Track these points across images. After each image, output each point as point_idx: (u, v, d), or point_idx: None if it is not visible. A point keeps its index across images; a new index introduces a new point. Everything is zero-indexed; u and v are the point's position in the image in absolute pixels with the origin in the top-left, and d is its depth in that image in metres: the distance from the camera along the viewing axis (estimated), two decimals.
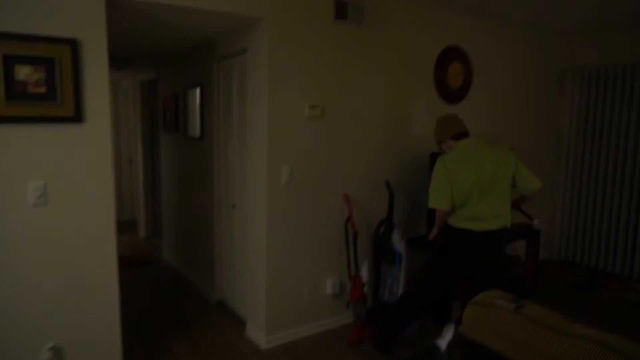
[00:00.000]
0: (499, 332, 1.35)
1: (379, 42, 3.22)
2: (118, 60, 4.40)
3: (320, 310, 3.18)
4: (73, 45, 2.13)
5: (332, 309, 3.25)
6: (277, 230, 2.91)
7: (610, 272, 4.36)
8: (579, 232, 4.61)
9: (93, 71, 2.21)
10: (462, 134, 2.74)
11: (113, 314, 2.41)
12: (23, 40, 2.02)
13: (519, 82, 4.30)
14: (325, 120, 3.03)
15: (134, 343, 3.01)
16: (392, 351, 2.89)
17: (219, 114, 3.52)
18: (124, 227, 6.37)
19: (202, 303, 3.73)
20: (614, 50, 4.28)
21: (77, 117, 2.19)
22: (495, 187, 2.63)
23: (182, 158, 4.27)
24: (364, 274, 3.16)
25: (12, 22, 2.00)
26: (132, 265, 4.71)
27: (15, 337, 2.17)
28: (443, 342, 2.78)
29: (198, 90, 3.73)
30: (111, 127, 2.32)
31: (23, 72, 2.05)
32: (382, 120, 3.34)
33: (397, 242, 3.16)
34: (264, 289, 2.92)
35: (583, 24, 4.13)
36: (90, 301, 2.33)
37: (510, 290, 2.79)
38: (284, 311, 3.02)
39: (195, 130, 3.82)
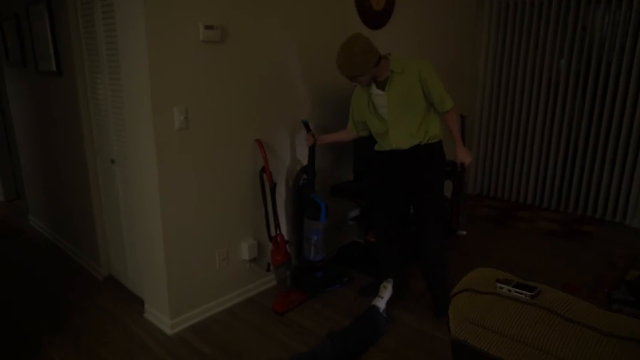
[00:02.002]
0: (518, 336, 0.95)
1: None
2: None
3: (236, 280, 2.68)
4: None
5: (251, 276, 2.76)
6: (173, 189, 2.27)
7: (523, 204, 4.42)
8: (493, 166, 4.59)
9: None
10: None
11: None
12: None
13: (444, 11, 3.89)
14: (228, 47, 2.35)
15: None
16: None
17: (79, 39, 2.63)
18: None
19: (86, 281, 3.01)
20: None
21: None
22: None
23: (38, 100, 3.29)
24: (286, 232, 2.68)
25: None
26: None
27: None
28: (382, 302, 2.47)
29: (45, 10, 2.75)
30: None
31: None
32: (299, 49, 2.74)
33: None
34: (163, 263, 2.32)
35: None
36: None
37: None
38: (192, 286, 2.46)
39: (50, 62, 2.87)
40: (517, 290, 1.02)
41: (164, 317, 2.42)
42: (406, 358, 2.19)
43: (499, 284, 1.06)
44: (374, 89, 2.36)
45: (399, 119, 2.34)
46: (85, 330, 2.44)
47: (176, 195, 2.28)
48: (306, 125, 2.68)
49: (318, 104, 2.93)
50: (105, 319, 2.54)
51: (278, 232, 2.61)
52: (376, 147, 2.52)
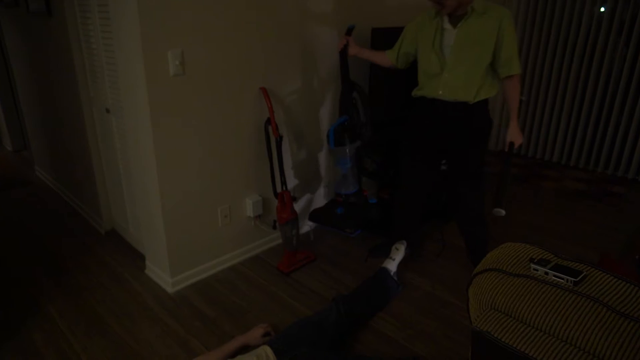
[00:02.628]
0: (555, 331, 0.77)
1: None
2: None
3: (240, 237, 2.55)
4: None
5: (256, 233, 2.63)
6: (169, 142, 2.09)
7: (549, 162, 4.15)
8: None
9: None
10: None
11: None
12: None
13: None
14: None
15: None
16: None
17: None
18: None
19: (89, 234, 2.93)
20: None
21: None
22: None
23: (31, 44, 3.09)
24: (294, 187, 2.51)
25: None
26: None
27: None
28: (392, 265, 2.32)
29: None
30: None
31: None
32: None
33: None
34: (161, 220, 2.18)
35: None
36: None
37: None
38: (193, 244, 2.34)
39: (39, 1, 2.64)
40: (557, 274, 0.83)
41: (164, 275, 2.33)
42: (416, 325, 2.06)
43: (533, 265, 0.87)
44: (446, 23, 2.08)
45: (459, 63, 2.06)
46: (86, 286, 2.37)
47: (172, 149, 2.10)
48: (350, 29, 2.39)
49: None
50: (106, 275, 2.46)
51: (284, 188, 2.44)
52: (417, 92, 2.25)
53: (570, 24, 3.74)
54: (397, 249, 2.37)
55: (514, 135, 2.16)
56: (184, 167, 2.17)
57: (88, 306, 2.21)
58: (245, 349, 1.88)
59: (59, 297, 2.28)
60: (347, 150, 2.42)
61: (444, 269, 2.50)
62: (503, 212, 1.92)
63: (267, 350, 1.65)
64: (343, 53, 2.43)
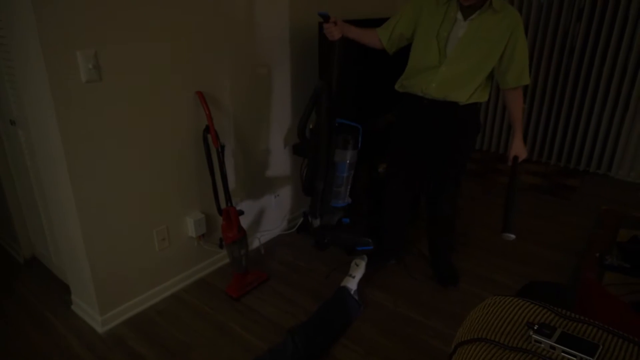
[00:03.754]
0: None
1: None
2: None
3: (182, 260, 2.27)
4: None
5: (200, 254, 2.35)
6: (87, 159, 1.77)
7: (503, 155, 4.12)
8: None
9: None
10: None
11: None
12: None
13: None
14: None
15: None
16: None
17: None
18: None
19: (5, 263, 2.54)
20: None
21: None
22: None
23: None
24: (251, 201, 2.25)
25: None
26: None
27: None
28: (353, 283, 2.13)
29: None
30: None
31: None
32: None
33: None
34: (83, 248, 1.87)
35: None
36: None
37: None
38: (125, 273, 2.04)
39: None
40: (567, 350, 0.65)
41: (92, 312, 2.01)
42: (381, 350, 1.88)
43: (535, 336, 0.69)
44: (457, 12, 1.84)
45: (463, 59, 1.85)
46: (4, 331, 2.01)
47: (91, 166, 1.79)
48: (324, 16, 1.99)
49: (282, 42, 2.41)
50: (23, 314, 2.11)
51: (229, 204, 2.18)
52: (403, 85, 2.04)
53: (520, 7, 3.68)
54: (357, 265, 2.18)
55: (519, 149, 1.99)
56: (106, 185, 1.86)
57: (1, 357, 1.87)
58: None
59: None
60: (349, 156, 2.16)
61: (405, 281, 2.34)
62: (513, 236, 1.76)
63: None
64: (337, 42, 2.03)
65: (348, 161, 2.15)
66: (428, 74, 1.93)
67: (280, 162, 2.65)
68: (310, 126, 2.25)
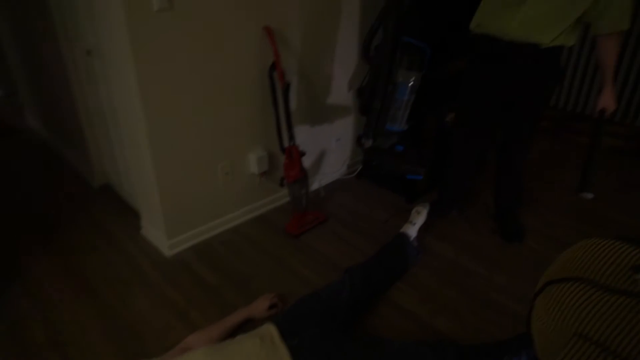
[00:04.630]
0: None
1: None
2: None
3: (244, 196, 2.32)
4: None
5: (262, 191, 2.39)
6: (159, 89, 1.80)
7: (581, 114, 3.80)
8: None
9: None
10: None
11: None
12: None
13: None
14: None
15: None
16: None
17: None
18: None
19: (81, 188, 2.71)
20: None
21: None
22: None
23: None
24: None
25: None
26: None
27: None
28: (413, 230, 2.09)
29: None
30: None
31: None
32: None
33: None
34: (153, 177, 1.94)
35: None
36: None
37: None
38: (191, 203, 2.11)
39: None
40: None
41: (161, 236, 2.12)
42: (439, 298, 1.86)
43: None
44: None
45: None
46: (75, 247, 2.18)
47: (163, 97, 1.82)
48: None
49: None
50: (97, 235, 2.27)
51: (292, 143, 2.17)
52: (479, 27, 1.88)
53: None
54: (419, 213, 2.13)
55: (607, 101, 1.81)
56: (177, 117, 1.89)
57: (77, 269, 2.03)
58: (249, 322, 1.69)
59: (46, 259, 2.09)
60: (413, 78, 2.06)
61: (467, 233, 2.27)
62: (591, 195, 1.64)
63: (271, 330, 1.45)
64: None
65: (411, 83, 2.04)
66: (509, 11, 1.75)
67: (343, 105, 2.59)
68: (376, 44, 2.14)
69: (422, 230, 2.14)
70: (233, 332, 1.62)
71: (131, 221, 2.35)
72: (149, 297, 1.86)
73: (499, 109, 2.01)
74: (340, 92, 2.53)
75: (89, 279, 1.97)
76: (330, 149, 2.65)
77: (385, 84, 2.06)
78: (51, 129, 3.20)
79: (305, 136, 2.44)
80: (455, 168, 2.26)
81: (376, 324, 1.72)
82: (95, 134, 2.54)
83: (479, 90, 2.01)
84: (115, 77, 1.91)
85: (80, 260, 2.08)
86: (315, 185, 2.62)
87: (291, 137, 2.16)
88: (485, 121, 2.08)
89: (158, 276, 1.98)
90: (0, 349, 1.64)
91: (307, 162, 2.47)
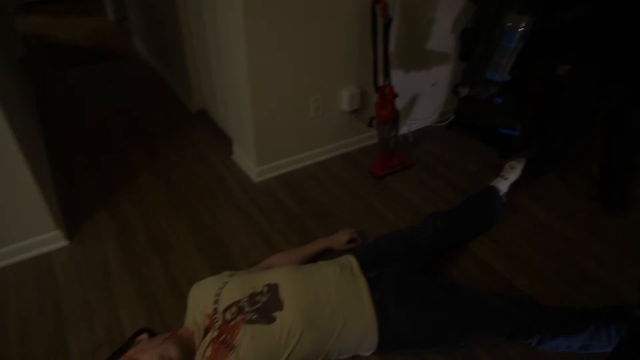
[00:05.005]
0: None
1: None
2: None
3: (332, 132, 2.33)
4: None
5: (350, 130, 2.39)
6: (262, 19, 1.81)
7: None
8: None
9: None
10: None
11: None
12: None
13: None
14: None
15: (76, 166, 2.29)
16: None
17: None
18: (87, 8, 5.14)
19: (180, 111, 2.89)
20: None
21: None
22: None
23: None
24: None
25: None
26: (96, 58, 3.72)
27: None
28: (504, 185, 1.99)
29: None
30: None
31: None
32: None
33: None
34: (249, 105, 2.00)
35: None
36: None
37: None
38: (282, 133, 2.16)
39: None
40: None
41: (251, 163, 2.22)
42: (523, 257, 1.78)
43: None
44: None
45: None
46: (174, 164, 2.35)
47: (264, 26, 1.82)
48: None
49: None
50: (194, 156, 2.42)
51: (387, 82, 2.11)
52: None
53: None
54: (513, 168, 2.01)
55: None
56: (276, 48, 1.90)
57: (176, 184, 2.20)
58: (327, 252, 1.75)
59: (150, 172, 2.29)
60: (524, 23, 1.89)
61: (563, 196, 2.12)
62: None
63: (351, 260, 1.49)
64: None
65: (521, 29, 1.86)
66: None
67: (443, 50, 2.45)
68: None
69: (513, 186, 2.03)
70: (312, 260, 1.69)
71: (223, 146, 2.47)
72: (237, 217, 1.98)
73: (623, 59, 1.79)
74: (442, 35, 2.38)
75: (185, 194, 2.13)
76: (423, 93, 2.55)
77: (491, 27, 1.91)
78: (156, 54, 3.39)
79: (399, 78, 2.36)
80: (565, 126, 2.08)
81: (453, 274, 1.70)
82: (197, 62, 2.64)
83: (603, 37, 1.79)
84: (220, 8, 1.94)
85: (178, 177, 2.25)
86: (404, 130, 2.56)
87: (387, 75, 2.10)
88: (604, 73, 1.87)
89: (246, 199, 2.09)
90: (114, 244, 1.85)
91: (398, 104, 2.39)
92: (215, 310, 1.34)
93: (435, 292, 1.40)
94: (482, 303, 1.39)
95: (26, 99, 2.61)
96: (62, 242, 1.85)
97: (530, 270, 1.72)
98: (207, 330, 1.33)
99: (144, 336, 1.34)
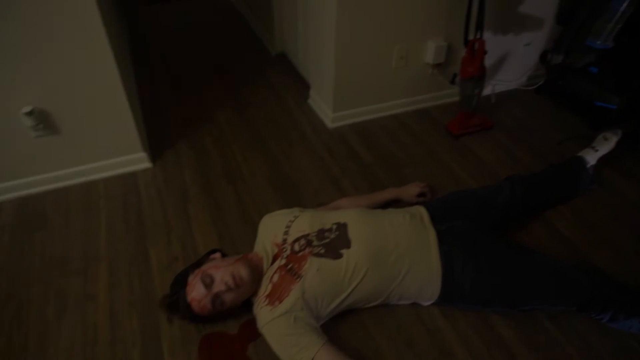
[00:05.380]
0: None
1: None
2: None
3: (413, 85, 2.26)
4: None
5: (431, 84, 2.30)
6: None
7: None
8: None
9: None
10: None
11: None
12: None
13: None
14: None
15: (161, 97, 2.41)
16: None
17: None
18: None
19: (261, 53, 2.92)
20: None
21: None
22: None
23: None
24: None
25: None
26: None
27: None
28: (593, 157, 1.85)
29: None
30: None
31: None
32: None
33: None
34: (332, 51, 1.98)
35: None
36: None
37: None
38: (361, 81, 2.13)
39: None
40: None
41: (326, 108, 2.22)
42: (603, 231, 1.68)
43: None
44: None
45: None
46: (252, 103, 2.41)
47: None
48: None
49: None
50: (271, 96, 2.47)
51: (479, 36, 1.99)
52: None
53: None
54: (607, 139, 1.87)
55: None
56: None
57: (252, 122, 2.26)
58: (397, 202, 1.74)
59: (228, 108, 2.37)
60: None
61: None
62: None
63: (422, 211, 1.48)
64: None
65: None
66: None
67: (541, 9, 2.25)
68: None
69: (603, 160, 1.89)
70: (381, 208, 1.69)
71: (300, 90, 2.49)
72: (309, 159, 2.01)
73: None
74: None
75: (261, 131, 2.19)
76: (514, 53, 2.39)
77: None
78: None
79: (489, 35, 2.22)
80: None
81: (524, 240, 1.64)
82: (281, 5, 2.63)
83: None
84: None
85: (255, 115, 2.31)
86: (487, 90, 2.43)
87: (479, 28, 1.98)
88: None
89: (318, 143, 2.11)
90: (192, 171, 1.96)
91: (485, 63, 2.27)
92: (284, 241, 1.40)
93: (505, 251, 1.37)
94: (557, 271, 1.34)
95: (120, 31, 2.75)
96: (147, 164, 1.98)
97: (610, 246, 1.62)
98: (274, 258, 1.39)
99: (217, 255, 1.43)
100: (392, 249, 1.32)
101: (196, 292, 1.27)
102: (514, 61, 2.42)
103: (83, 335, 1.35)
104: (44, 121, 1.69)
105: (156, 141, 2.12)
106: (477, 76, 2.01)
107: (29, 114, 1.62)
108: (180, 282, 1.33)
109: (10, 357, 1.31)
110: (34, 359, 1.30)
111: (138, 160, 1.96)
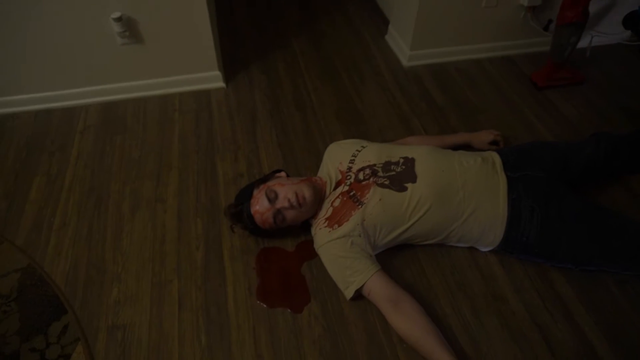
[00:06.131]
0: None
1: None
2: None
3: (501, 29, 2.10)
4: None
5: (522, 30, 2.13)
6: None
7: None
8: None
9: None
10: None
11: None
12: None
13: None
14: None
15: (238, 22, 2.41)
16: None
17: None
18: None
19: None
20: None
21: None
22: None
23: None
24: None
25: None
26: None
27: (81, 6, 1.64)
28: None
29: None
30: None
31: None
32: None
33: None
34: None
35: None
36: None
37: None
38: (445, 19, 2.01)
39: None
40: None
41: (404, 46, 2.13)
42: None
43: None
44: None
45: None
46: (327, 34, 2.36)
47: None
48: None
49: None
50: (347, 30, 2.40)
51: None
52: None
53: None
54: None
55: None
56: None
57: (325, 53, 2.22)
58: (466, 148, 1.68)
59: (304, 37, 2.33)
60: None
61: None
62: None
63: (495, 157, 1.42)
64: None
65: None
66: None
67: None
68: None
69: None
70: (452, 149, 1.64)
71: (378, 26, 2.40)
72: (379, 96, 1.97)
73: None
74: None
75: (334, 63, 2.15)
76: (619, 4, 2.14)
77: None
78: None
79: None
80: None
81: (600, 201, 1.54)
82: None
83: None
84: None
85: (329, 46, 2.26)
86: (583, 42, 2.22)
87: None
88: None
89: (392, 80, 2.05)
90: (263, 95, 1.99)
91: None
92: (349, 169, 1.40)
93: (577, 206, 1.29)
94: (634, 232, 1.26)
95: None
96: (220, 84, 2.02)
97: None
98: (338, 184, 1.40)
99: (282, 174, 1.46)
100: (458, 188, 1.29)
101: (260, 205, 1.31)
102: (619, 12, 2.17)
103: (152, 233, 1.46)
104: (130, 29, 1.75)
105: (231, 63, 2.15)
106: (576, 22, 1.83)
107: (118, 19, 1.68)
108: (245, 195, 1.38)
109: (91, 241, 1.45)
110: (110, 245, 1.43)
111: (213, 79, 2.00)
